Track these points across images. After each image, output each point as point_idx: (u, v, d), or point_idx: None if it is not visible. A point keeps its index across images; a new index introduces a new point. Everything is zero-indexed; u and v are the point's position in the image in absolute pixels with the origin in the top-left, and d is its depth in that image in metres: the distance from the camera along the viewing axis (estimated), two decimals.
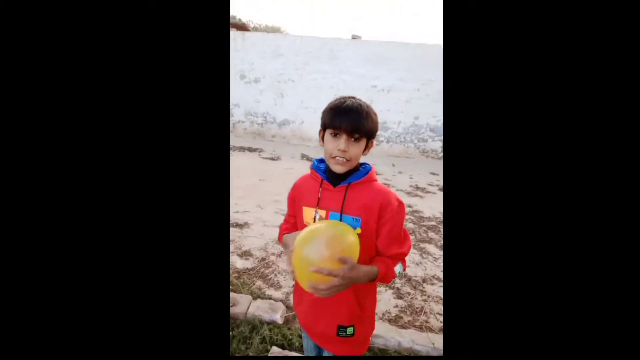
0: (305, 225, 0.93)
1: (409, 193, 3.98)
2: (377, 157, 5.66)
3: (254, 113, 6.71)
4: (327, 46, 6.15)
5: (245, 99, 6.67)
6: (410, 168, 5.10)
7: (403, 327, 1.74)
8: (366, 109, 0.85)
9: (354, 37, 6.41)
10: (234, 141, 6.01)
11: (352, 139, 0.84)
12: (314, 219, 0.90)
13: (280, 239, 1.00)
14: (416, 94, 5.99)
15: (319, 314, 0.92)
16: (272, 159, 5.13)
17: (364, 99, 0.91)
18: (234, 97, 6.65)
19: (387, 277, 0.88)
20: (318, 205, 0.89)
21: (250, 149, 5.59)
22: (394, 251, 0.89)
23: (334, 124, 0.84)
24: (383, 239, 0.88)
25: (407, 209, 3.32)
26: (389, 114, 6.05)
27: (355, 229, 0.85)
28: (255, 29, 7.16)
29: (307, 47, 6.23)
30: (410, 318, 1.81)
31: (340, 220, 0.87)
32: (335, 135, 0.85)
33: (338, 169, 0.87)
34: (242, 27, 7.01)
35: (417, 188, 4.22)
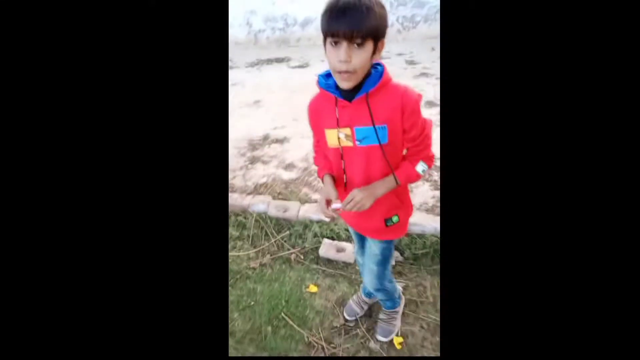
0: (331, 150, 0.94)
1: None
2: (412, 42, 5.10)
3: (273, 18, 6.18)
4: None
5: (259, 1, 6.09)
6: None
7: (439, 215, 1.89)
8: (367, 3, 0.71)
9: None
10: (259, 54, 5.78)
11: (355, 45, 0.73)
12: (339, 139, 0.90)
13: (320, 174, 1.06)
14: None
15: (366, 215, 0.98)
16: (301, 66, 4.92)
17: None
18: (248, 3, 6.10)
19: (410, 179, 0.93)
20: (339, 124, 0.87)
21: (278, 60, 5.37)
22: (423, 155, 0.91)
23: (330, 29, 0.73)
24: (411, 145, 0.90)
25: None
26: None
27: (382, 140, 0.86)
28: None
29: None
30: None
31: (375, 131, 0.84)
32: (335, 43, 0.74)
33: (345, 85, 0.80)
34: None
35: None
